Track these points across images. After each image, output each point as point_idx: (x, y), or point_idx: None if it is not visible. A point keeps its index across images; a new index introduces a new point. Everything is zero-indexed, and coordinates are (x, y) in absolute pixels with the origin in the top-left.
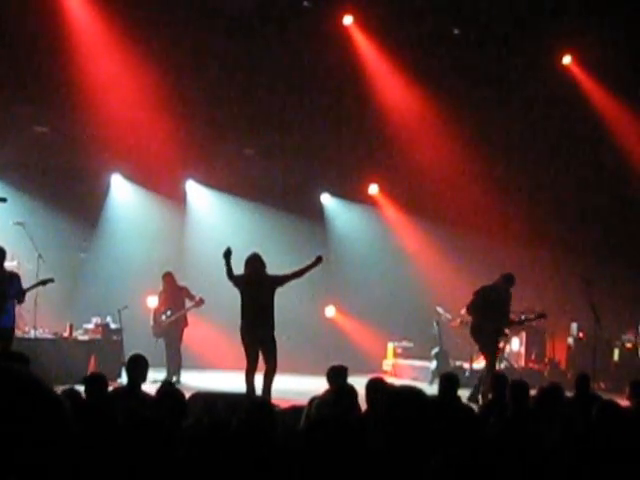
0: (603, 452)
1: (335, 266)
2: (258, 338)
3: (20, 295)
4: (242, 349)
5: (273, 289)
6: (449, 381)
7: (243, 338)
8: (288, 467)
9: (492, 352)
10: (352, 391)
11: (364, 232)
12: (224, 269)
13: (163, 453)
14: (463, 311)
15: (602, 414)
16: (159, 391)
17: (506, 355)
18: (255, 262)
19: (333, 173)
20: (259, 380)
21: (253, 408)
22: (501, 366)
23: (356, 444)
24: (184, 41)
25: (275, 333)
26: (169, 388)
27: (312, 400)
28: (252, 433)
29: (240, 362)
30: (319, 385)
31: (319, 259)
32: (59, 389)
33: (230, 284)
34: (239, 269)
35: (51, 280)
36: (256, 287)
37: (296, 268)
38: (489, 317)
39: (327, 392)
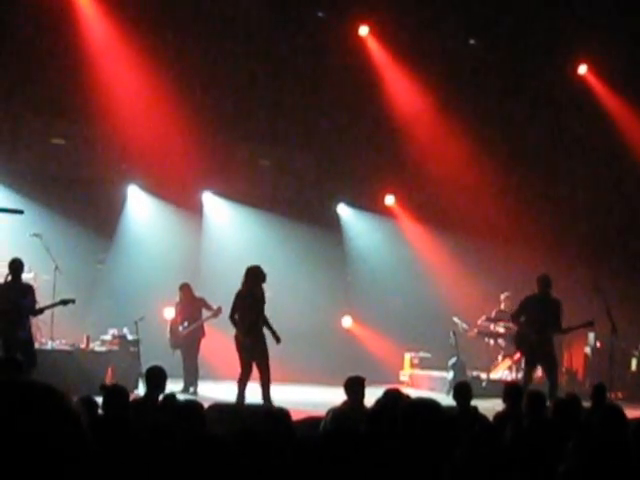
0: (618, 463)
1: (352, 276)
2: (256, 349)
3: (34, 308)
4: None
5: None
6: (460, 390)
7: (241, 348)
8: (304, 478)
9: (554, 364)
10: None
11: (380, 242)
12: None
13: (181, 464)
14: (480, 321)
15: (607, 420)
16: (171, 403)
17: (523, 365)
18: (256, 274)
19: (349, 184)
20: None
21: (271, 418)
22: (518, 376)
23: (371, 456)
24: (201, 54)
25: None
26: (186, 401)
27: (329, 411)
28: (269, 443)
29: (258, 373)
30: (335, 396)
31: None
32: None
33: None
34: (243, 272)
35: (72, 301)
36: (255, 299)
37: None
38: (537, 327)
39: (345, 403)
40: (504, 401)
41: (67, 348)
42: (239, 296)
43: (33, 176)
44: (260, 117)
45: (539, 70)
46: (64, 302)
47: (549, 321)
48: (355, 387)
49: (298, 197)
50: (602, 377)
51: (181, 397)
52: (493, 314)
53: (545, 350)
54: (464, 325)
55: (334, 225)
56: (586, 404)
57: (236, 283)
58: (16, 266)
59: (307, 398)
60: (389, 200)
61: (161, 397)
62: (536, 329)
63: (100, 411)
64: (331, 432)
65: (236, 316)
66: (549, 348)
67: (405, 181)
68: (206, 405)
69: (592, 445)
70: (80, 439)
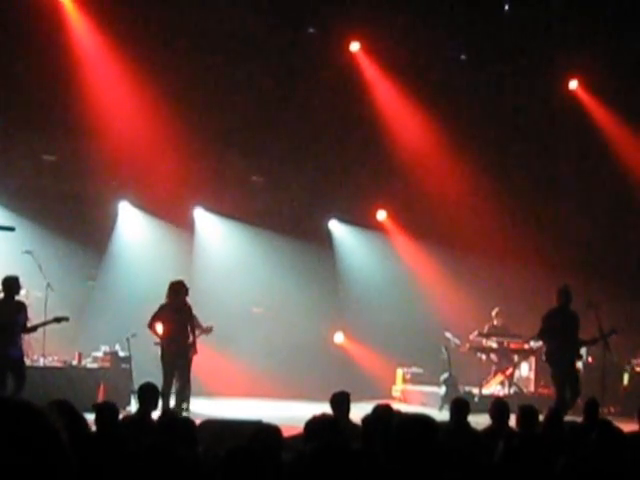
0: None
1: (343, 292)
2: (180, 360)
3: (26, 326)
4: (252, 377)
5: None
6: (459, 406)
7: (169, 360)
8: None
9: (561, 379)
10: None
11: (372, 258)
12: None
13: None
14: (472, 336)
15: (603, 437)
16: (164, 419)
17: (515, 380)
18: (177, 289)
19: (341, 199)
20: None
21: (262, 434)
22: (510, 391)
23: (364, 473)
24: (193, 70)
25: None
26: (179, 416)
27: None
28: (259, 458)
29: (250, 390)
30: (327, 412)
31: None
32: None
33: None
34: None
35: (66, 319)
36: (180, 314)
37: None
38: (565, 340)
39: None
40: (491, 417)
41: (59, 365)
42: (162, 308)
43: (24, 193)
44: (252, 133)
45: (530, 85)
46: (57, 320)
47: (575, 335)
48: (340, 402)
49: (290, 213)
50: (594, 392)
51: None
52: (485, 329)
53: (574, 365)
54: (456, 340)
55: (326, 241)
56: (578, 419)
57: (228, 299)
58: (9, 284)
59: (299, 414)
60: (381, 215)
61: (158, 414)
62: (570, 345)
63: (94, 429)
64: (322, 448)
65: (158, 326)
66: (575, 363)
67: (397, 196)
68: (198, 422)
69: (590, 467)
70: (60, 456)
